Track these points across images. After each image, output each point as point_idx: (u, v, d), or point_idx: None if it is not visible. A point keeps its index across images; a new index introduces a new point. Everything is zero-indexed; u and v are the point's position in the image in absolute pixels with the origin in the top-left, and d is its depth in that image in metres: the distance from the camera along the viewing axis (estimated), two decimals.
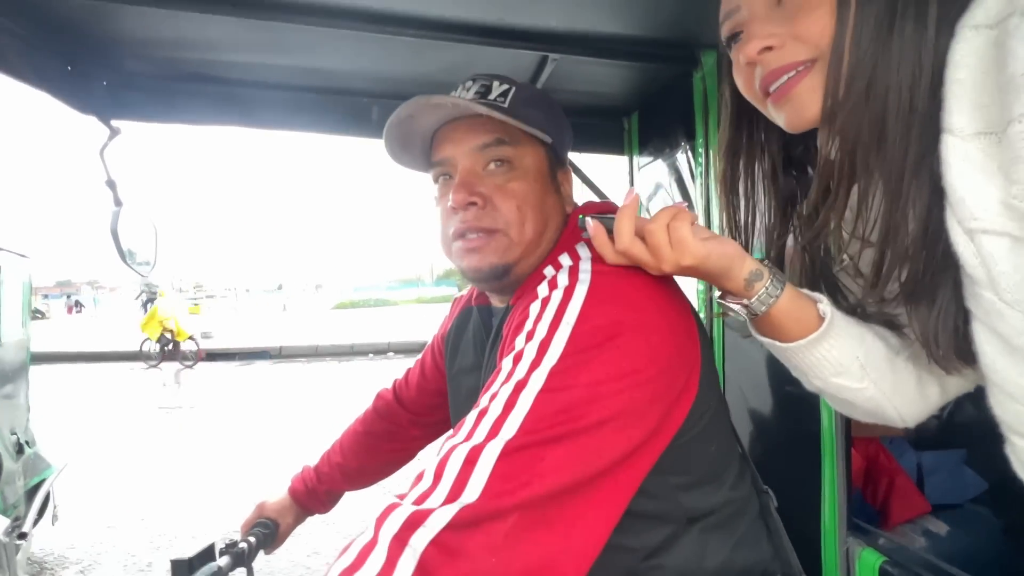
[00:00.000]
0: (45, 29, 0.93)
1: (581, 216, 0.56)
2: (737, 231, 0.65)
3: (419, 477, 0.45)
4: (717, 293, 0.59)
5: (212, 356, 10.51)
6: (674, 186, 1.26)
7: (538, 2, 0.86)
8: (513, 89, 0.69)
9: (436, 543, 0.39)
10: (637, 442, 0.48)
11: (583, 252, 0.60)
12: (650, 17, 0.93)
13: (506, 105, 0.67)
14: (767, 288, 0.53)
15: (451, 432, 0.48)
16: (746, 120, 0.62)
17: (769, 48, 0.49)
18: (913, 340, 0.57)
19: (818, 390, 0.59)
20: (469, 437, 0.45)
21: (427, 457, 0.49)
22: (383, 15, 0.88)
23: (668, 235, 0.52)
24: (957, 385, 0.59)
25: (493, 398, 0.48)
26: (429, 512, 0.40)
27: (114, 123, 1.03)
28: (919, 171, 0.45)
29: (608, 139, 1.43)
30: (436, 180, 0.71)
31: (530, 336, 0.51)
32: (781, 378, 0.98)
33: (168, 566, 0.80)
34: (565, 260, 0.60)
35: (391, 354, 10.24)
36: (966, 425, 1.19)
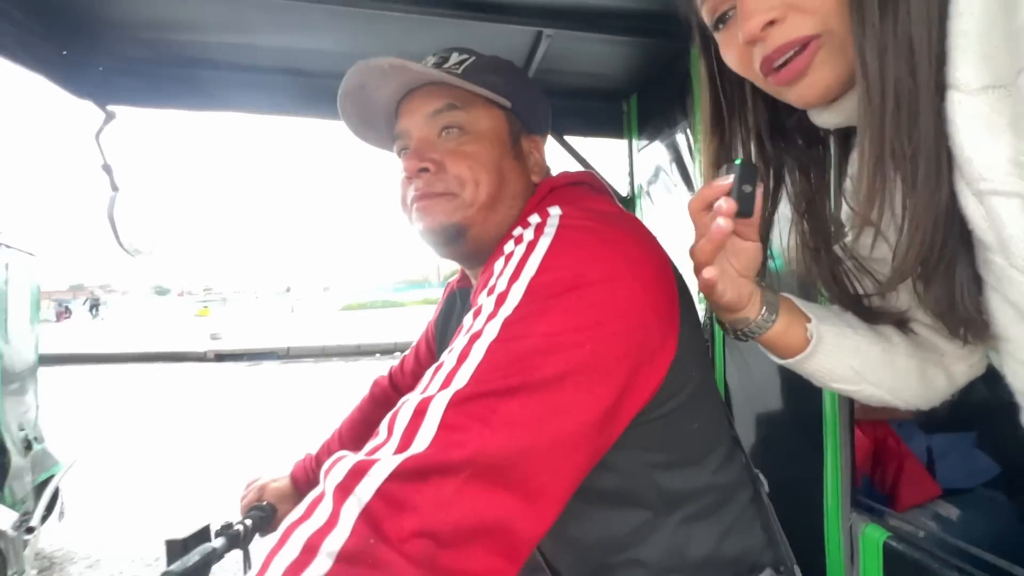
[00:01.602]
0: (41, 13, 0.93)
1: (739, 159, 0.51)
2: None
3: (375, 435, 0.43)
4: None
5: (221, 357, 10.59)
6: (673, 167, 1.24)
7: None
8: (472, 58, 0.67)
9: (381, 493, 0.36)
10: (602, 403, 0.45)
11: (553, 210, 0.57)
12: None
13: (460, 71, 0.65)
14: (748, 329, 0.57)
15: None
16: (726, 98, 0.60)
17: (771, 23, 0.46)
18: (916, 334, 0.58)
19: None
20: (424, 391, 0.43)
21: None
22: None
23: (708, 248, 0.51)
24: (964, 372, 0.59)
25: (450, 352, 0.46)
26: (374, 462, 0.38)
27: (110, 108, 1.03)
28: (932, 132, 0.42)
29: (607, 123, 1.42)
30: (399, 155, 0.70)
31: (491, 291, 0.49)
32: None
33: (163, 547, 0.79)
34: (534, 219, 0.57)
35: (398, 354, 10.25)
36: (977, 406, 1.16)
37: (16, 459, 2.48)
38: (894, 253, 0.47)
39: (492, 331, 0.45)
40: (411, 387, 1.12)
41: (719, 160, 0.62)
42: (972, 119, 0.39)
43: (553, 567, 0.64)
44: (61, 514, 2.66)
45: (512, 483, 0.39)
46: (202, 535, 0.82)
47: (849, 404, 0.83)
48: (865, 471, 1.19)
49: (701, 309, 1.17)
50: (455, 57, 0.67)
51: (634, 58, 1.19)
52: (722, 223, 0.48)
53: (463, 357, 0.44)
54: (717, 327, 1.16)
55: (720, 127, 0.61)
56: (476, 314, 0.48)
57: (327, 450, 1.04)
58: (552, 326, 0.44)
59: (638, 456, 0.53)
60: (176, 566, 0.71)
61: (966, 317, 0.47)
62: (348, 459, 0.39)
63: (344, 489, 0.37)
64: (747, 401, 1.08)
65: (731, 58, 0.53)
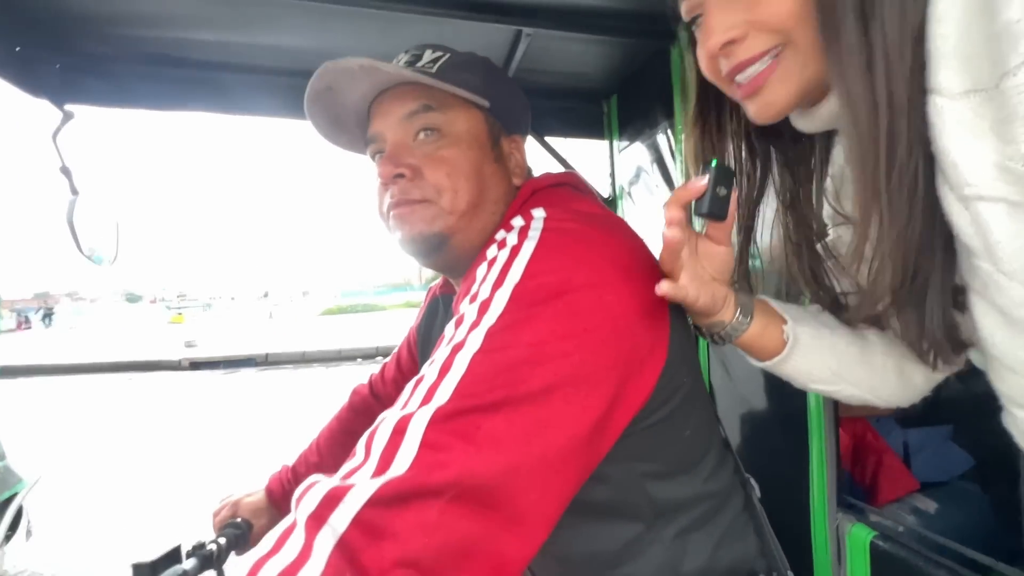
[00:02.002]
0: None
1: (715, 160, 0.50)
2: None
3: (351, 456, 0.40)
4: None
5: (196, 365, 10.31)
6: (655, 167, 1.24)
7: None
8: (446, 56, 0.64)
9: (358, 522, 0.34)
10: (592, 415, 0.43)
11: (537, 212, 0.55)
12: None
13: (434, 70, 0.62)
14: (724, 332, 0.56)
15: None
16: (713, 89, 0.58)
17: (732, 41, 0.46)
18: (893, 331, 0.57)
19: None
20: (403, 407, 0.41)
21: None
22: None
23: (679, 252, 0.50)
24: (942, 368, 0.58)
25: (431, 365, 0.43)
26: (349, 487, 0.35)
27: (68, 107, 0.98)
28: (907, 152, 0.42)
29: (588, 123, 1.41)
30: (373, 159, 0.67)
31: (473, 298, 0.47)
32: None
33: (129, 571, 0.75)
34: (517, 222, 0.55)
35: (380, 358, 10.10)
36: (952, 401, 1.18)
37: None
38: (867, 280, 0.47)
39: (475, 342, 0.42)
40: (392, 396, 1.09)
41: (703, 153, 0.61)
42: (955, 124, 0.38)
43: None
44: (28, 533, 2.54)
45: (499, 504, 0.37)
46: (172, 557, 0.78)
47: (833, 405, 0.83)
48: (845, 467, 1.20)
49: None
50: (428, 55, 0.64)
51: (614, 58, 1.19)
52: (667, 233, 0.48)
53: (445, 370, 0.41)
54: None
55: (705, 118, 0.61)
56: (458, 323, 0.46)
57: (304, 461, 1.00)
58: (538, 335, 0.42)
59: (629, 466, 0.52)
60: None
61: (935, 342, 0.48)
62: (321, 485, 0.36)
63: (317, 519, 0.34)
64: (732, 403, 1.08)
65: (701, 63, 0.53)
